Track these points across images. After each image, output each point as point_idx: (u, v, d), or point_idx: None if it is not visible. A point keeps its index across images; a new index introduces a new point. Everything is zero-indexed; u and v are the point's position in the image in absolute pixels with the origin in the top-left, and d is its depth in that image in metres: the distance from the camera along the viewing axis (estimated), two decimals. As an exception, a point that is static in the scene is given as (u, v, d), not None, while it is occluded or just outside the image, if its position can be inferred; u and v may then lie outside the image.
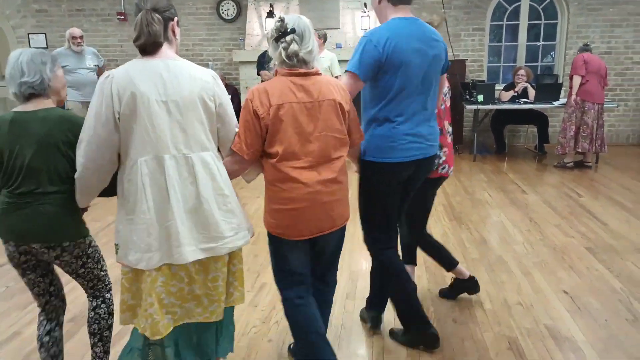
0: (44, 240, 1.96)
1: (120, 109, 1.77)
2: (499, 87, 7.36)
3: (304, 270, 2.20)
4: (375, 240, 2.54)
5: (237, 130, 2.02)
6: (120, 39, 8.19)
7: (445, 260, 3.03)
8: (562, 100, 6.75)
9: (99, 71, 6.22)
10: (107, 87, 1.77)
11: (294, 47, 1.98)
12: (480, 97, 6.74)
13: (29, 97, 1.95)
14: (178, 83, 1.82)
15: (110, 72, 1.81)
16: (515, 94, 6.96)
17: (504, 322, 2.83)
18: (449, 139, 2.83)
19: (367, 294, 2.81)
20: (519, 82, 6.97)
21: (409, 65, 2.24)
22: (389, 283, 2.59)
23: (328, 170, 2.06)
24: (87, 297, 2.20)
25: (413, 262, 3.01)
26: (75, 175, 1.90)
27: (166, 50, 1.87)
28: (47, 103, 1.98)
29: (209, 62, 8.16)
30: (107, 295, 2.21)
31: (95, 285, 2.17)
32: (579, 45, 6.86)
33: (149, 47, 1.82)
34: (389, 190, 2.43)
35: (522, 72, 7.01)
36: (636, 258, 3.64)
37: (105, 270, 2.20)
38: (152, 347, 2.00)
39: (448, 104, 2.85)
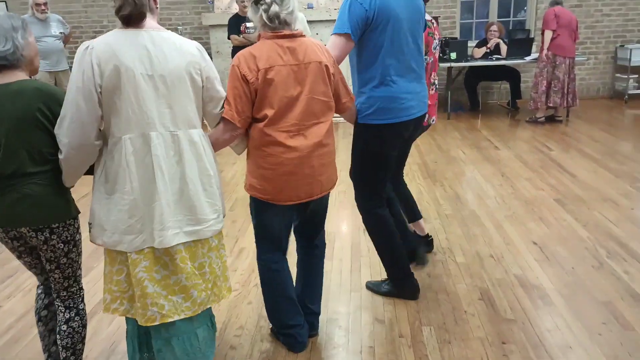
0: (32, 222, 1.80)
1: (102, 83, 1.66)
2: (471, 43, 7.35)
3: (285, 235, 2.25)
4: (369, 200, 2.60)
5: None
6: (84, 5, 7.90)
7: (410, 211, 3.12)
8: (534, 56, 6.80)
9: (65, 39, 6.04)
10: (87, 59, 1.65)
11: (274, 8, 1.95)
12: (453, 55, 6.74)
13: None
14: (164, 56, 1.72)
15: (90, 42, 1.68)
16: (488, 50, 6.97)
17: (475, 274, 2.93)
18: (433, 91, 2.91)
19: (345, 254, 2.88)
20: (492, 38, 6.98)
21: (397, 20, 2.27)
22: (390, 235, 2.65)
23: (315, 134, 2.06)
24: (57, 305, 2.00)
25: (419, 216, 3.13)
26: (60, 156, 1.76)
27: (149, 20, 1.76)
28: (20, 75, 1.79)
29: (178, 27, 7.96)
30: (81, 307, 2.02)
31: (70, 286, 1.98)
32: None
33: (134, 17, 1.70)
34: (390, 151, 2.47)
35: (494, 27, 7.01)
36: (603, 207, 3.77)
37: (81, 269, 2.03)
38: (145, 336, 2.00)
39: (437, 55, 2.91)
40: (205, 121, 2.00)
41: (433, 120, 3.01)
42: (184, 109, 1.79)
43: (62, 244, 1.88)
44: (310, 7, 7.25)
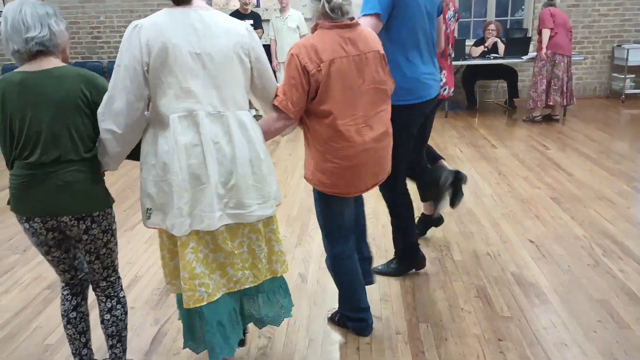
0: (75, 211, 1.76)
1: (150, 61, 1.63)
2: (469, 42, 7.36)
3: (352, 223, 2.27)
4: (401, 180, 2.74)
5: (278, 85, 1.95)
6: (81, 0, 7.87)
7: (427, 190, 3.17)
8: (531, 55, 6.82)
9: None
10: (134, 37, 1.63)
11: (337, 0, 1.93)
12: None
13: (35, 55, 1.71)
14: (212, 35, 1.70)
15: (138, 22, 1.67)
16: (486, 49, 6.99)
17: (472, 271, 2.94)
18: (449, 61, 2.98)
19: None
20: (489, 37, 6.99)
21: (417, 3, 2.35)
22: (409, 217, 2.78)
23: (379, 124, 2.06)
24: (98, 296, 2.00)
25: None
26: (104, 137, 1.73)
27: (198, 0, 1.74)
28: (56, 62, 1.75)
29: (176, 23, 7.94)
30: (122, 294, 2.03)
31: (110, 275, 1.98)
32: (548, -1, 6.89)
33: None
34: (413, 130, 2.58)
35: (492, 26, 7.02)
36: (598, 206, 3.79)
37: (117, 258, 2.02)
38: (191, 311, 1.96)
39: (452, 27, 2.94)
40: (255, 105, 1.99)
41: (452, 92, 3.07)
42: (232, 89, 1.75)
43: (101, 234, 1.86)
44: (308, 4, 7.25)
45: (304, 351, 2.32)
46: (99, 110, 1.72)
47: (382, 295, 2.72)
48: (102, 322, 2.01)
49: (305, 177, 2.16)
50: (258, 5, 7.50)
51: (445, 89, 2.95)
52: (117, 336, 2.01)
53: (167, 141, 1.70)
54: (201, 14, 1.71)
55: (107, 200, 1.86)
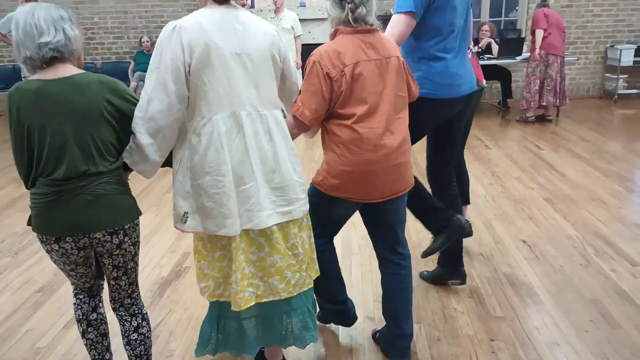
0: (109, 225, 1.66)
1: (192, 61, 1.60)
2: (463, 43, 7.37)
3: (344, 223, 2.23)
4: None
5: (299, 87, 1.94)
6: (75, 1, 7.84)
7: (463, 195, 3.09)
8: (525, 55, 6.84)
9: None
10: (175, 38, 1.60)
11: (361, 10, 1.92)
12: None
13: (49, 61, 1.59)
14: (251, 36, 1.70)
15: (176, 22, 1.63)
16: (480, 50, 7.00)
17: (466, 271, 2.94)
18: (470, 54, 2.91)
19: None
20: (483, 38, 7.01)
21: (455, 1, 2.33)
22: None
23: (400, 130, 2.02)
24: (121, 316, 1.88)
25: (467, 201, 3.17)
26: (143, 143, 1.65)
27: (232, 1, 1.73)
28: (74, 69, 1.64)
29: (170, 24, 7.93)
30: (144, 311, 1.93)
31: (133, 291, 1.87)
32: (541, -1, 6.92)
33: None
34: (435, 125, 2.53)
35: (486, 27, 7.04)
36: (591, 206, 3.81)
37: None
38: (227, 320, 1.94)
39: (471, 19, 2.94)
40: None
41: (485, 84, 3.02)
42: (269, 89, 1.77)
43: (131, 246, 1.77)
44: (302, 5, 7.25)
45: (298, 352, 2.31)
46: (137, 115, 1.65)
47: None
48: (127, 344, 1.88)
49: (313, 181, 2.09)
50: (252, 6, 7.50)
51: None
52: (145, 356, 1.90)
53: (211, 143, 1.66)
54: (238, 14, 1.71)
55: (136, 210, 1.77)
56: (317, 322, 2.46)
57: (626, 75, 7.64)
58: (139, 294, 1.92)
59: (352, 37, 1.94)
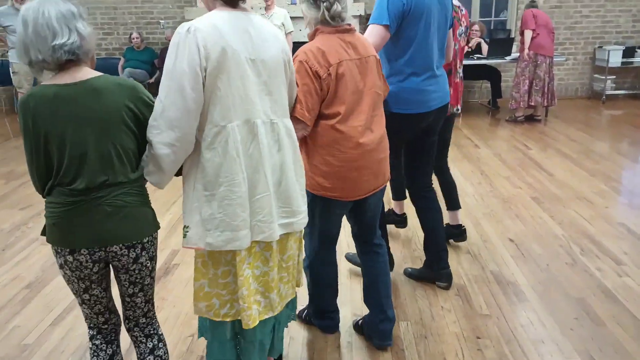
0: (127, 238, 1.57)
1: (208, 66, 1.51)
2: (453, 42, 7.41)
3: (339, 230, 2.28)
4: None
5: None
6: (64, -4, 7.76)
7: (452, 201, 3.21)
8: (514, 55, 6.89)
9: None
10: (191, 41, 1.49)
11: (336, 7, 1.94)
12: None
13: (63, 65, 1.49)
14: (264, 40, 1.63)
15: (190, 24, 1.52)
16: (470, 50, 7.04)
17: (453, 270, 2.96)
18: (457, 79, 2.97)
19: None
20: (473, 38, 7.04)
21: (429, 15, 2.35)
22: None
23: (378, 127, 2.08)
24: (136, 337, 1.77)
25: (457, 206, 3.26)
26: (160, 152, 1.54)
27: (242, 4, 1.65)
28: (90, 71, 1.53)
29: (160, 21, 7.89)
30: (160, 331, 1.81)
31: (149, 310, 1.76)
32: None
33: None
34: (410, 138, 2.61)
35: (476, 27, 7.07)
36: (578, 205, 3.85)
37: None
38: (238, 337, 1.87)
39: (462, 44, 2.94)
40: None
41: (457, 110, 3.04)
42: (281, 96, 1.71)
43: (148, 262, 1.66)
44: (293, 3, 7.24)
45: (285, 349, 2.32)
46: (152, 123, 1.55)
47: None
48: None
49: (307, 187, 2.09)
50: (243, 4, 7.47)
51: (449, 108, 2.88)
52: None
53: (226, 152, 1.57)
54: (251, 17, 1.64)
55: (155, 224, 1.66)
56: (301, 320, 2.50)
57: (614, 76, 7.71)
58: (155, 313, 1.81)
59: (333, 36, 1.97)
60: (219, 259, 1.70)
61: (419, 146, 2.69)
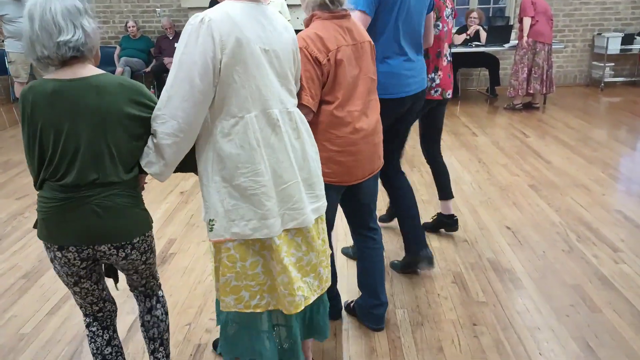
0: (116, 239, 1.58)
1: (223, 57, 1.49)
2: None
3: (335, 216, 2.25)
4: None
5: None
6: (58, -16, 7.68)
7: (445, 189, 3.18)
8: (513, 43, 6.85)
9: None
10: (205, 32, 1.47)
11: None
12: (433, 41, 6.75)
13: (68, 61, 1.49)
14: (276, 31, 1.63)
15: (204, 14, 1.49)
16: (468, 37, 7.00)
17: (450, 258, 2.98)
18: (445, 62, 2.91)
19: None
20: (471, 25, 7.00)
21: (404, 1, 2.33)
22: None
23: (373, 112, 2.09)
24: (137, 297, 1.87)
25: (450, 195, 3.23)
26: (163, 142, 1.53)
27: None
28: (92, 67, 1.53)
29: (157, 9, 7.82)
30: (160, 294, 1.88)
31: (148, 282, 1.83)
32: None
33: None
34: (388, 123, 2.55)
35: (474, 14, 7.03)
36: (575, 193, 3.85)
37: (156, 266, 1.87)
38: (276, 327, 1.85)
39: (450, 25, 2.90)
40: None
41: (449, 95, 2.97)
42: (292, 86, 1.73)
43: (140, 255, 1.68)
44: (290, -10, 7.17)
45: (282, 338, 2.33)
46: (156, 112, 1.54)
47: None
48: (142, 325, 1.87)
49: None
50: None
51: (437, 91, 2.86)
52: (158, 339, 1.86)
53: (245, 142, 1.57)
54: (263, 7, 1.62)
55: (147, 225, 1.66)
56: None
57: (613, 64, 7.68)
58: (156, 281, 1.86)
59: (330, 22, 1.95)
60: (246, 250, 1.66)
61: (394, 131, 2.67)
